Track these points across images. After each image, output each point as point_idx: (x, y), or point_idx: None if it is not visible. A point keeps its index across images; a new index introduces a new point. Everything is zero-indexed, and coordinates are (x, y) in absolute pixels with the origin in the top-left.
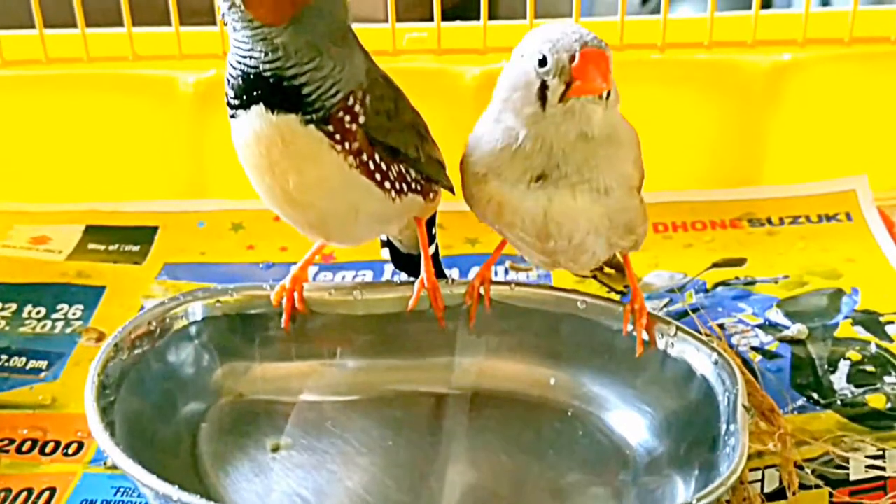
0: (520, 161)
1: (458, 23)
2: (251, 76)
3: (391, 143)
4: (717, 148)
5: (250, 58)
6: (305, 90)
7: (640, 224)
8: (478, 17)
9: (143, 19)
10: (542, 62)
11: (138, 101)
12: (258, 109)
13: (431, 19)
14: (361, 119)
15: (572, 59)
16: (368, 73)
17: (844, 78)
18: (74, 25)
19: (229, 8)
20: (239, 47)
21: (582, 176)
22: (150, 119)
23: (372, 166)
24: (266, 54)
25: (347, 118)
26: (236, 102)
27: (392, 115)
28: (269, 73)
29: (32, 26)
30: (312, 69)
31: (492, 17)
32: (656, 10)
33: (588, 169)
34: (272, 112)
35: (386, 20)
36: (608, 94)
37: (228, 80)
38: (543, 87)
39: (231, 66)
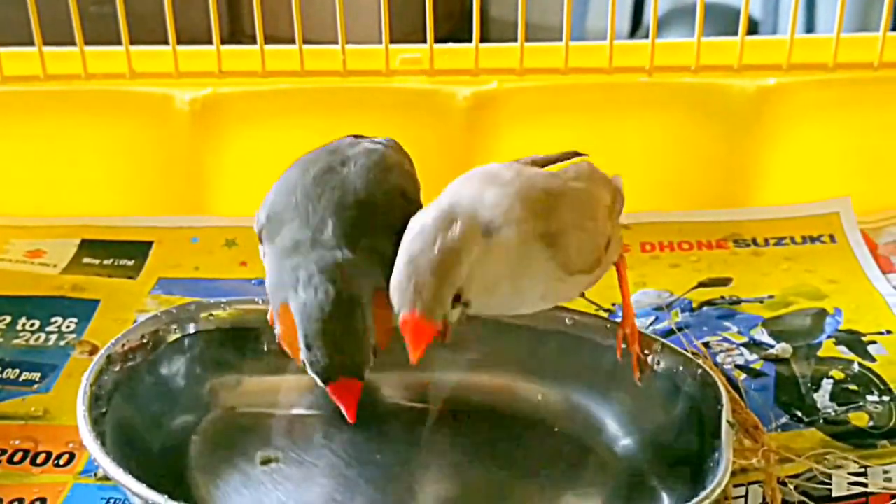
0: None
1: (450, 45)
2: None
3: None
4: (704, 170)
5: None
6: None
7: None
8: (470, 40)
9: (140, 38)
10: None
11: (135, 118)
12: None
13: (425, 41)
14: None
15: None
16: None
17: (829, 102)
18: (73, 43)
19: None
20: None
21: None
22: (146, 136)
23: None
24: None
25: None
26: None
27: None
28: None
29: (31, 43)
30: None
31: (483, 39)
32: (645, 37)
33: None
34: None
35: (380, 41)
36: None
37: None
38: None
39: None
